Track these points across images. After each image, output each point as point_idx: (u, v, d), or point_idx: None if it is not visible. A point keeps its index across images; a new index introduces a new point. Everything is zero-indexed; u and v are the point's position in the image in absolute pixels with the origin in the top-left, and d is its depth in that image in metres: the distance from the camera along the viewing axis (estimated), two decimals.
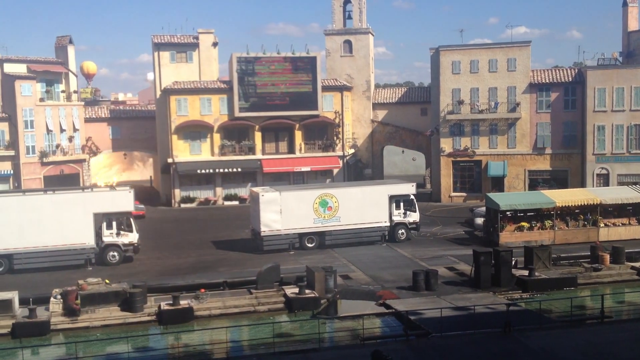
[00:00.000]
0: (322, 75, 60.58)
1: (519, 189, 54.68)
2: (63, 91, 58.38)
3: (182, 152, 57.90)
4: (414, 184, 42.79)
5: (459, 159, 56.95)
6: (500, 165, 55.67)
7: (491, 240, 38.93)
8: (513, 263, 31.65)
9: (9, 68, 55.43)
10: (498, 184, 55.81)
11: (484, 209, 42.57)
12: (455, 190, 57.48)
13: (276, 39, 65.52)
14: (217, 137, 58.19)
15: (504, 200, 40.05)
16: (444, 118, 56.51)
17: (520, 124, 55.66)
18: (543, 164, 55.73)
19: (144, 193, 60.61)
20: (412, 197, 41.55)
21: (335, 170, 60.15)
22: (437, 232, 44.21)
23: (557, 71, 57.37)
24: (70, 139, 57.86)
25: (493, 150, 56.24)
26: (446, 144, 56.95)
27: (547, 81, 55.44)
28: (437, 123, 57.31)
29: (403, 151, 70.34)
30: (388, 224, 40.66)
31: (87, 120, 60.55)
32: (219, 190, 58.95)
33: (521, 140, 55.76)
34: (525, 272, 31.34)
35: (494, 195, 41.54)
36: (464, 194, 57.19)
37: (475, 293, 29.68)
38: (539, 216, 39.51)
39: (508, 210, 39.10)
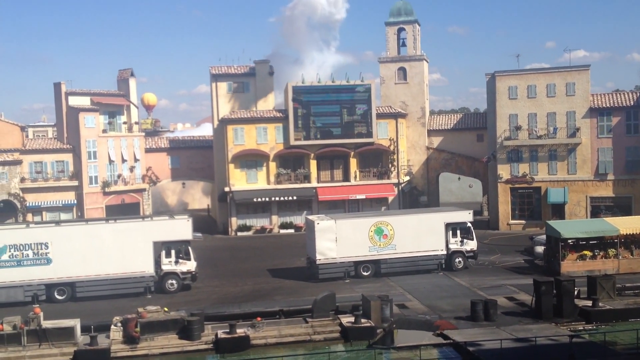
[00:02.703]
0: (377, 102, 60.71)
1: (580, 216, 53.18)
2: (125, 122, 60.26)
3: (239, 180, 58.69)
4: (471, 212, 42.09)
5: (517, 185, 55.87)
6: (560, 192, 54.32)
7: (552, 269, 37.87)
8: (576, 293, 30.69)
9: (73, 101, 57.66)
10: (558, 211, 54.43)
11: (544, 237, 41.53)
12: (513, 218, 56.31)
13: (331, 67, 66.55)
14: (273, 165, 58.81)
15: (565, 228, 38.95)
16: (501, 144, 55.67)
17: (580, 149, 54.34)
18: (605, 191, 54.13)
19: (201, 221, 61.59)
20: (469, 224, 40.90)
21: (391, 198, 59.84)
22: (495, 261, 43.31)
23: (618, 95, 55.89)
24: (131, 169, 59.51)
25: (553, 176, 54.99)
26: (504, 171, 56.01)
27: (608, 105, 54.08)
28: (494, 149, 56.50)
29: (459, 178, 69.46)
30: (445, 252, 40.08)
31: (147, 150, 62.17)
32: (274, 218, 59.37)
33: (582, 166, 54.37)
34: (589, 303, 30.33)
35: (555, 223, 40.46)
36: (523, 221, 55.95)
37: (537, 324, 28.85)
38: (602, 244, 38.24)
39: (570, 238, 38.00)
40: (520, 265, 42.04)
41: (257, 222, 59.36)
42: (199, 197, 76.46)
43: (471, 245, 40.77)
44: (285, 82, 59.66)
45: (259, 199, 58.31)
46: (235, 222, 59.01)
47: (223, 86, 60.47)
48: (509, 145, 55.49)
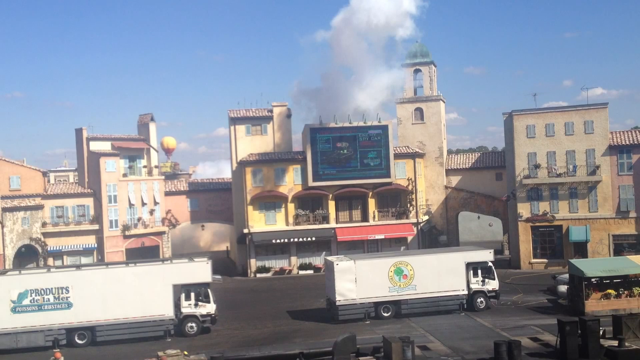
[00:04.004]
0: (394, 142, 60.93)
1: (603, 255, 52.45)
2: (145, 166, 60.93)
3: (258, 222, 58.82)
4: (492, 251, 41.68)
5: (538, 224, 55.38)
6: (582, 230, 53.75)
7: (576, 308, 37.24)
8: (601, 333, 30.09)
9: (94, 146, 58.52)
10: (581, 249, 53.77)
11: (567, 275, 40.97)
12: (535, 257, 55.70)
13: (348, 109, 67.13)
14: (291, 206, 58.95)
15: (589, 266, 38.41)
16: (520, 182, 55.43)
17: (601, 187, 53.91)
18: (628, 228, 53.45)
19: (220, 264, 61.59)
20: (490, 264, 40.49)
21: (410, 238, 59.54)
22: (518, 301, 42.70)
23: (638, 132, 55.60)
24: (151, 212, 59.92)
25: (574, 214, 54.48)
26: (524, 209, 55.62)
27: (628, 142, 53.78)
28: (513, 188, 56.24)
29: (479, 217, 69.00)
30: (466, 292, 39.63)
31: (167, 193, 62.66)
32: (293, 259, 59.26)
33: (603, 203, 53.87)
34: (615, 343, 29.67)
35: (578, 262, 39.95)
36: (545, 260, 55.31)
37: None
38: (627, 283, 37.59)
39: (593, 277, 37.44)
40: (543, 304, 41.40)
41: (276, 264, 59.26)
42: (218, 240, 76.61)
43: (493, 284, 40.29)
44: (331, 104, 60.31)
45: (278, 240, 58.32)
46: (254, 263, 58.96)
47: (241, 129, 61.08)
48: (528, 184, 55.23)
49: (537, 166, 54.94)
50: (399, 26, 61.08)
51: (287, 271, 58.90)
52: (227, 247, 72.71)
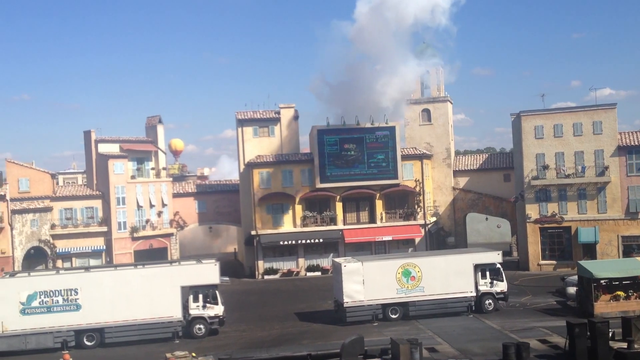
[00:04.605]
0: (401, 144, 60.82)
1: (612, 256, 52.20)
2: (153, 168, 61.09)
3: (265, 224, 58.85)
4: (500, 252, 41.53)
5: (546, 225, 55.18)
6: (591, 232, 53.51)
7: (585, 310, 37.05)
8: (610, 335, 29.92)
9: (102, 148, 58.74)
10: (590, 250, 53.53)
11: (575, 277, 40.76)
12: (544, 258, 55.48)
13: (355, 110, 66.77)
14: (299, 208, 58.96)
15: (598, 268, 38.21)
16: (529, 184, 55.25)
17: (610, 188, 53.67)
18: (637, 229, 53.19)
19: (228, 265, 61.63)
20: (498, 265, 40.36)
21: (417, 239, 59.44)
22: (526, 303, 42.54)
23: None
24: (159, 214, 60.07)
25: (583, 215, 54.25)
26: (532, 210, 55.43)
27: (637, 143, 53.51)
28: (522, 189, 56.05)
29: (487, 218, 68.73)
30: (474, 294, 39.50)
31: (175, 195, 62.77)
32: (301, 261, 59.27)
33: (612, 204, 53.62)
34: (624, 345, 29.47)
35: (587, 263, 39.73)
36: (554, 261, 55.08)
37: None
38: (636, 284, 37.32)
39: (602, 279, 37.25)
40: (552, 306, 41.22)
41: (284, 265, 59.29)
42: (225, 241, 76.69)
43: (501, 286, 40.15)
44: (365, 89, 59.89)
45: (286, 242, 58.36)
46: (262, 265, 59.00)
47: (249, 130, 61.13)
48: (536, 185, 55.04)
49: (545, 167, 54.73)
50: (429, 17, 60.89)
51: (294, 273, 58.92)
52: (234, 249, 72.78)
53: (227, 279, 45.88)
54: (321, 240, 58.54)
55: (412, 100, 64.60)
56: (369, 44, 61.21)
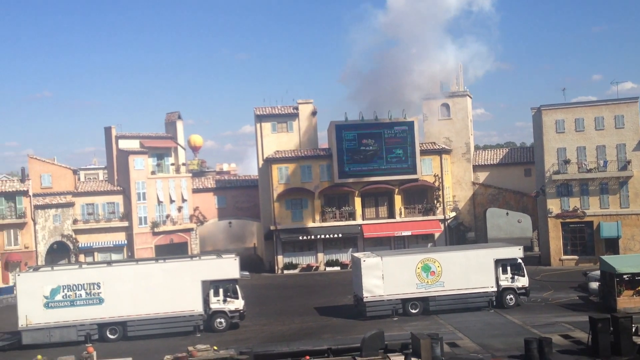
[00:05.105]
0: (420, 139, 60.58)
1: (635, 251, 51.68)
2: (172, 164, 61.52)
3: (284, 219, 58.98)
4: (521, 247, 41.24)
5: (568, 220, 54.72)
6: (614, 226, 52.99)
7: (608, 305, 36.73)
8: (634, 330, 29.64)
9: (123, 144, 59.21)
10: (612, 245, 53.02)
11: (598, 272, 40.40)
12: (565, 253, 55.05)
13: (374, 105, 66.69)
14: (317, 203, 59.02)
15: (620, 263, 37.84)
16: (550, 178, 54.79)
17: (632, 182, 53.09)
18: None
19: (248, 260, 61.88)
20: (519, 260, 40.08)
21: (437, 234, 59.24)
22: (548, 298, 42.23)
23: None
24: (179, 209, 60.46)
25: (605, 210, 53.73)
26: (554, 205, 54.99)
27: None
28: (543, 184, 55.61)
29: (507, 213, 68.23)
30: (495, 289, 39.29)
31: (195, 190, 63.11)
32: (320, 256, 59.35)
33: (635, 199, 53.05)
34: None
35: (609, 258, 39.39)
36: (576, 256, 54.65)
37: None
38: None
39: (625, 274, 36.88)
40: (574, 301, 40.91)
41: (303, 260, 59.40)
42: (245, 236, 76.96)
43: (522, 281, 39.90)
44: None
45: (305, 237, 58.44)
46: (281, 260, 59.16)
47: (267, 126, 61.27)
48: (558, 180, 54.58)
49: (566, 161, 54.27)
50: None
51: (314, 268, 59.01)
52: (254, 243, 73.03)
53: (247, 273, 46.20)
54: (340, 235, 58.56)
55: (431, 95, 64.20)
56: (404, 30, 60.50)
